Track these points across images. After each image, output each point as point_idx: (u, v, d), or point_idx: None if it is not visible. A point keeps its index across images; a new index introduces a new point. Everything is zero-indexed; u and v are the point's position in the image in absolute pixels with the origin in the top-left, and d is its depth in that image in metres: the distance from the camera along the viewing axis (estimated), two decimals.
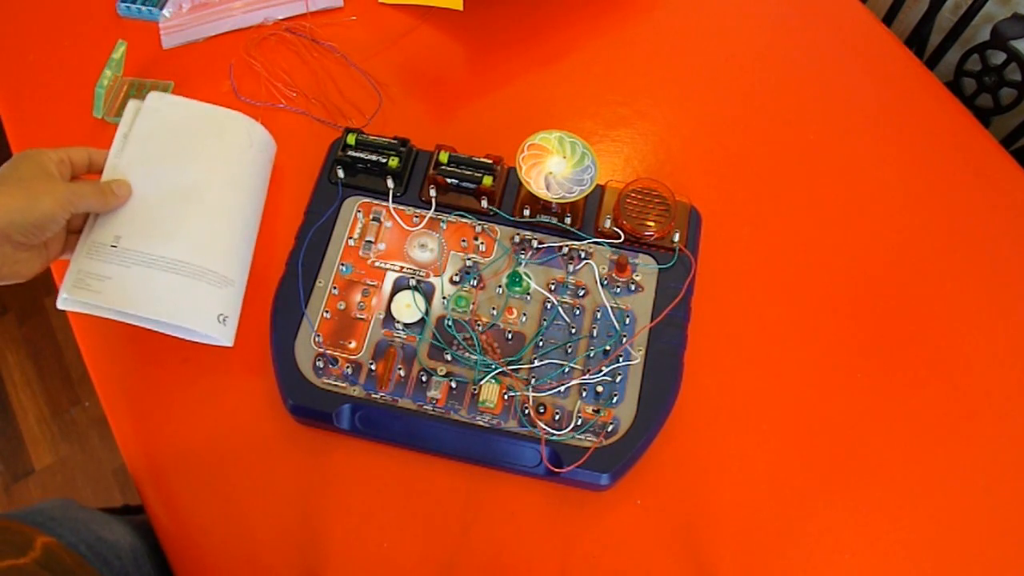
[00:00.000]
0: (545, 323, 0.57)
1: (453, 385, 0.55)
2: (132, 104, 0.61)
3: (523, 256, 0.59)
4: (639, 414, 0.54)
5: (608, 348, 0.56)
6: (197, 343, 0.57)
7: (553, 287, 0.59)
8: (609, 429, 0.54)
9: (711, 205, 0.63)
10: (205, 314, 0.56)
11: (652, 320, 0.57)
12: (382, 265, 0.59)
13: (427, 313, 0.57)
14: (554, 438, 0.53)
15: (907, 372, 0.60)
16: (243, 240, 0.60)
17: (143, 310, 0.54)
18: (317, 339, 0.56)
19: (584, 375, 0.55)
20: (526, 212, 0.60)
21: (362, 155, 0.61)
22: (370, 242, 0.60)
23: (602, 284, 0.59)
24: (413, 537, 0.54)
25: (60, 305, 0.54)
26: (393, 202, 0.61)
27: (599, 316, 0.57)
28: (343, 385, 0.55)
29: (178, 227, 0.58)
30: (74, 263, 0.55)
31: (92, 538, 0.52)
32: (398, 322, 0.57)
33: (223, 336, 0.56)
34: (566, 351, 0.56)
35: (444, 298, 0.58)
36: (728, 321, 0.61)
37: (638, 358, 0.56)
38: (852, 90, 0.72)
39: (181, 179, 0.59)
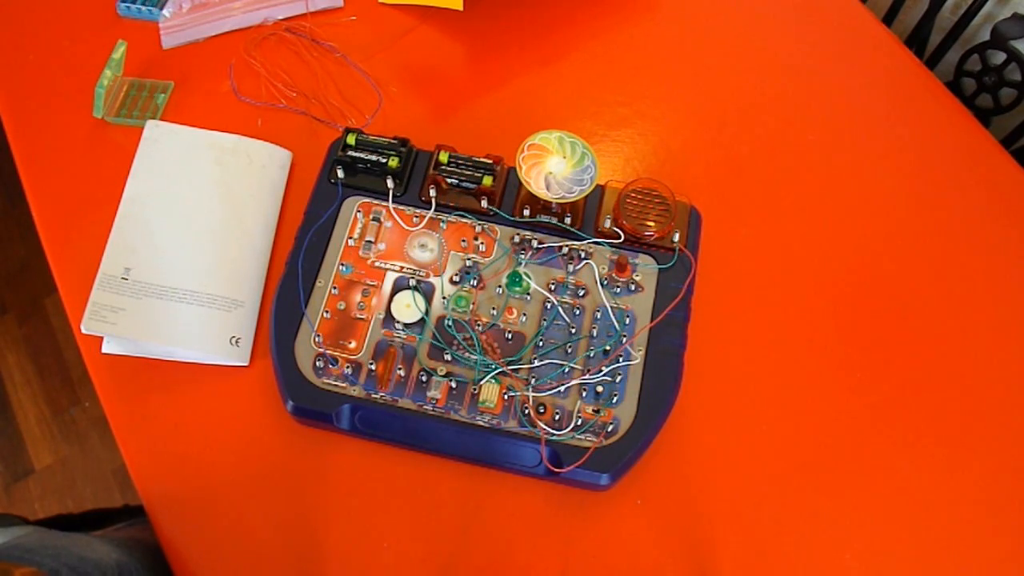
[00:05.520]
0: (545, 323, 0.57)
1: (453, 385, 0.55)
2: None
3: (523, 256, 0.59)
4: (639, 414, 0.54)
5: (608, 348, 0.56)
6: None
7: (553, 287, 0.58)
8: (609, 429, 0.54)
9: (711, 205, 0.63)
10: (217, 341, 0.57)
11: (652, 320, 0.57)
12: (382, 265, 0.59)
13: (427, 313, 0.57)
14: (554, 438, 0.53)
15: (907, 371, 0.60)
16: (251, 258, 0.60)
17: (156, 340, 0.56)
18: (317, 339, 0.56)
19: (584, 375, 0.55)
20: (526, 212, 0.60)
21: (362, 155, 0.61)
22: (370, 242, 0.60)
23: (602, 284, 0.59)
24: (413, 537, 0.54)
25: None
26: (393, 202, 0.61)
27: (599, 316, 0.57)
28: (343, 385, 0.55)
29: (183, 256, 0.58)
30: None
31: (73, 559, 0.51)
32: (398, 322, 0.57)
33: (237, 357, 0.57)
34: (566, 351, 0.56)
35: (444, 298, 0.58)
36: (728, 321, 0.61)
37: (638, 358, 0.56)
38: (852, 90, 0.72)
39: (183, 207, 0.60)
